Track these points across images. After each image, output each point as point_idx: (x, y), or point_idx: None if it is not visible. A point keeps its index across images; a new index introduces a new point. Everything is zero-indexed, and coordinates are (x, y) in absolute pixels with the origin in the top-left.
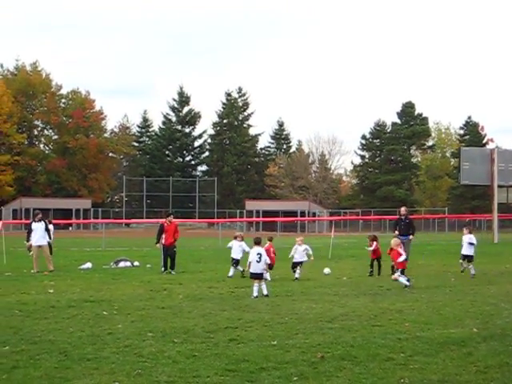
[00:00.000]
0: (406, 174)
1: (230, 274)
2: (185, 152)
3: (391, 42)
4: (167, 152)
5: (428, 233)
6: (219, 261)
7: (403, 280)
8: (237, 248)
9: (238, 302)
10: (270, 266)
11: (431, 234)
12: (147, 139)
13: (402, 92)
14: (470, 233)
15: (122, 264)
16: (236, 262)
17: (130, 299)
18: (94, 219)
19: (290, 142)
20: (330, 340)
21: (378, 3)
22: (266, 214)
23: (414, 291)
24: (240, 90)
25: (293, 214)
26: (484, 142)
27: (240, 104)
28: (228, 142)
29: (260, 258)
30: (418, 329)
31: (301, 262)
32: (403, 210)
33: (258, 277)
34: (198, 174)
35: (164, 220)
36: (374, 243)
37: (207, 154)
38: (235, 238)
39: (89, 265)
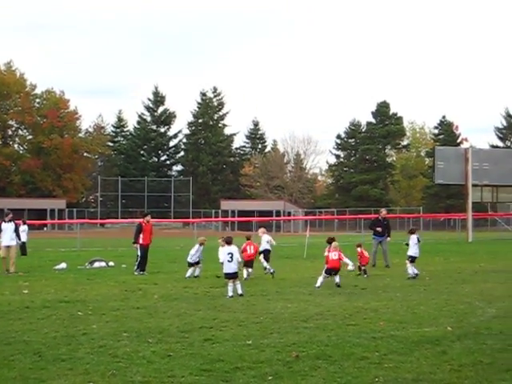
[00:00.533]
0: (381, 173)
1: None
2: (160, 152)
3: (366, 41)
4: (142, 152)
5: (403, 232)
6: None
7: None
8: (196, 252)
9: (213, 301)
10: (250, 263)
11: (406, 233)
12: (122, 139)
13: (377, 92)
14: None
15: (96, 264)
16: (196, 263)
17: (105, 299)
18: (68, 219)
19: (265, 142)
20: (305, 339)
21: (351, 3)
22: (242, 213)
23: (388, 290)
24: (215, 89)
25: (268, 213)
26: (458, 141)
27: (215, 104)
28: (203, 141)
29: (232, 257)
30: (393, 328)
31: (267, 251)
32: (385, 211)
33: (233, 276)
34: (173, 173)
35: (142, 220)
36: (358, 249)
37: (182, 153)
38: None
39: (63, 265)
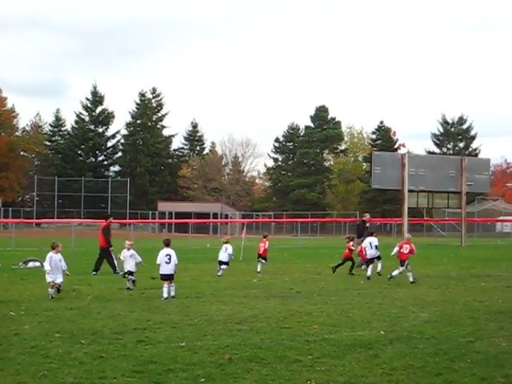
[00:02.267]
0: (319, 177)
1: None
2: (97, 152)
3: (305, 45)
4: (80, 152)
5: (339, 236)
6: None
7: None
8: (128, 258)
9: (148, 303)
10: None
11: (343, 237)
12: (59, 138)
13: (316, 96)
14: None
15: (31, 264)
16: (130, 273)
17: (38, 300)
18: (3, 219)
19: (203, 144)
20: (239, 342)
21: (289, 6)
22: (179, 215)
23: (323, 294)
24: (154, 90)
25: (205, 215)
26: (396, 146)
27: (154, 105)
28: (141, 142)
29: (170, 259)
30: (326, 331)
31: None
32: (368, 216)
33: (168, 278)
34: (110, 174)
35: (107, 222)
36: (351, 243)
37: (120, 154)
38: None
39: None
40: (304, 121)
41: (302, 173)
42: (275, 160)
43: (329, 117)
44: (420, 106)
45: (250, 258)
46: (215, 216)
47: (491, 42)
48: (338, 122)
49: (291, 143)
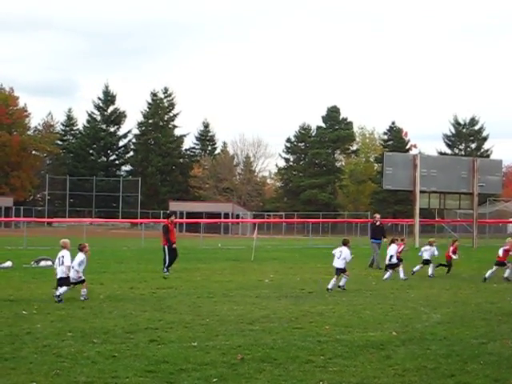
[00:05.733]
0: (330, 177)
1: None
2: (109, 151)
3: (318, 45)
4: (91, 151)
5: (350, 237)
6: (141, 261)
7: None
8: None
9: (160, 302)
10: None
11: (354, 237)
12: (71, 138)
13: (328, 96)
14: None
15: (42, 263)
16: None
17: (50, 299)
18: (15, 217)
19: (214, 144)
20: (251, 342)
21: (302, 6)
22: (190, 215)
23: (334, 294)
24: (166, 90)
25: (216, 215)
26: (407, 147)
27: (166, 104)
28: (153, 142)
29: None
30: (338, 332)
31: None
32: (378, 216)
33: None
34: (121, 173)
35: (167, 220)
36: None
37: (132, 153)
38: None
39: (9, 263)
40: (316, 121)
41: (313, 173)
42: (286, 160)
43: (340, 117)
44: (432, 106)
45: (261, 258)
46: (226, 216)
47: (503, 42)
48: (350, 123)
49: (303, 143)
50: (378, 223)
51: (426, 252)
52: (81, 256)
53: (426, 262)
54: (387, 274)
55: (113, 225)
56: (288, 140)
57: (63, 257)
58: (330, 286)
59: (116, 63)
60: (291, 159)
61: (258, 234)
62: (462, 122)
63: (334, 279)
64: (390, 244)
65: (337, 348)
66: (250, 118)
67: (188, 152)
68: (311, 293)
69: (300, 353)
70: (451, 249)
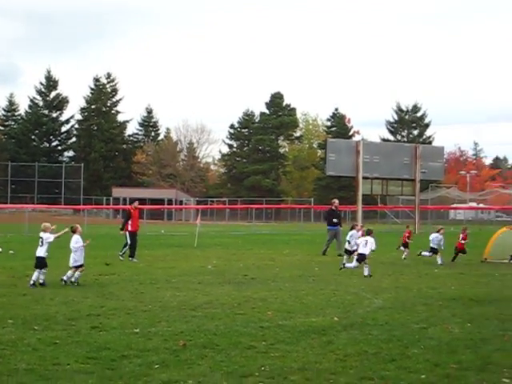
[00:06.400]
0: (274, 163)
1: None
2: (51, 137)
3: (261, 31)
4: (33, 137)
5: (294, 223)
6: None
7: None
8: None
9: (102, 289)
10: None
11: (297, 223)
12: (13, 123)
13: (271, 82)
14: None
15: None
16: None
17: None
18: None
19: (158, 130)
20: (193, 328)
21: None
22: (133, 201)
23: (277, 280)
24: (109, 75)
25: (160, 201)
26: (350, 133)
27: (109, 90)
28: (96, 127)
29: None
30: (281, 317)
31: None
32: (337, 202)
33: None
34: (64, 159)
35: (130, 206)
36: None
37: (74, 139)
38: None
39: None
40: (259, 107)
41: (256, 159)
42: (230, 146)
43: (284, 103)
44: (375, 93)
45: (204, 244)
46: (170, 202)
47: (444, 30)
48: (293, 109)
49: (246, 130)
50: (334, 208)
51: (434, 240)
52: (76, 237)
53: (434, 251)
54: (353, 263)
55: (55, 211)
56: (231, 126)
57: (42, 238)
58: (345, 263)
59: (59, 48)
60: (235, 145)
61: (201, 221)
62: (404, 109)
63: (345, 259)
64: (350, 229)
65: (279, 334)
66: (194, 104)
67: (131, 138)
68: (254, 279)
69: (242, 339)
70: (461, 236)
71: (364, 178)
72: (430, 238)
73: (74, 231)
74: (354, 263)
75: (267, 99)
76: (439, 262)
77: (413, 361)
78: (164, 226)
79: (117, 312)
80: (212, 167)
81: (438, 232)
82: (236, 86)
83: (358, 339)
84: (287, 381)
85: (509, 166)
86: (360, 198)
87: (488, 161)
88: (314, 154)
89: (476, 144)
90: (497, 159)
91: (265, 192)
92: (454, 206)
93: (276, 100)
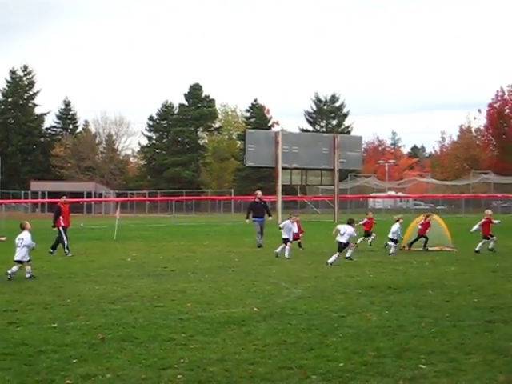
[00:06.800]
0: (193, 155)
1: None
2: None
3: (178, 20)
4: None
5: (214, 214)
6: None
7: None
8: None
9: (19, 284)
10: None
11: (217, 215)
12: None
13: (190, 73)
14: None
15: None
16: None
17: None
18: None
19: (76, 122)
20: (112, 321)
21: None
22: (52, 194)
23: (197, 272)
24: (25, 68)
25: (79, 194)
26: (270, 124)
27: (25, 82)
28: (13, 121)
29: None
30: (200, 309)
31: None
32: (260, 194)
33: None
34: None
35: (59, 201)
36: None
37: None
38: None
39: None
40: (178, 99)
41: (176, 151)
42: (149, 138)
43: (203, 95)
44: (294, 84)
45: (124, 237)
46: (89, 195)
47: (364, 22)
48: (212, 100)
49: (165, 121)
50: (258, 200)
51: (397, 232)
52: (27, 234)
53: (394, 241)
54: (286, 253)
55: None
56: (150, 118)
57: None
58: (330, 261)
59: None
60: (154, 137)
61: (120, 213)
62: (322, 99)
63: (335, 255)
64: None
65: (198, 325)
66: (112, 96)
67: (49, 131)
68: (174, 271)
69: (161, 331)
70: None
71: (283, 168)
72: (393, 229)
73: (23, 228)
74: (286, 253)
75: (186, 90)
76: (392, 251)
77: (331, 349)
78: (83, 220)
79: (34, 307)
80: (131, 159)
81: (397, 221)
82: (155, 78)
83: (277, 329)
84: (206, 372)
85: (426, 155)
86: (280, 188)
87: (406, 150)
88: (233, 145)
89: (394, 133)
90: (414, 148)
91: (185, 184)
92: (373, 194)
93: (195, 91)
